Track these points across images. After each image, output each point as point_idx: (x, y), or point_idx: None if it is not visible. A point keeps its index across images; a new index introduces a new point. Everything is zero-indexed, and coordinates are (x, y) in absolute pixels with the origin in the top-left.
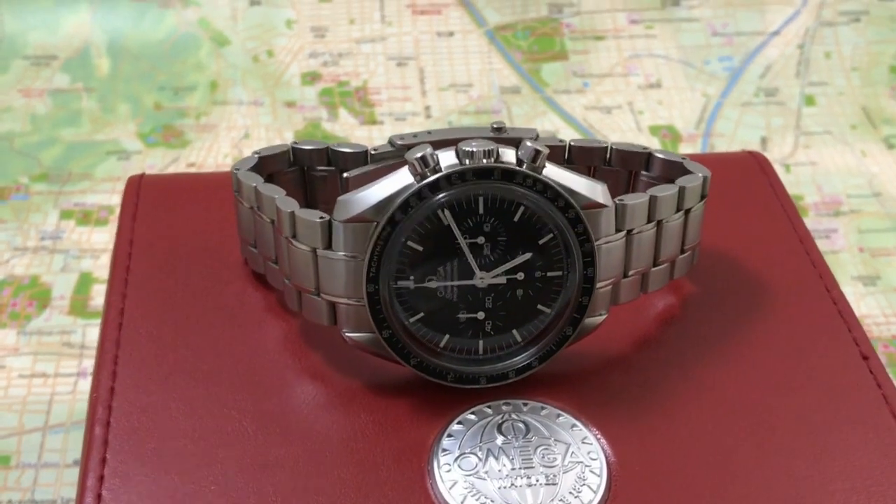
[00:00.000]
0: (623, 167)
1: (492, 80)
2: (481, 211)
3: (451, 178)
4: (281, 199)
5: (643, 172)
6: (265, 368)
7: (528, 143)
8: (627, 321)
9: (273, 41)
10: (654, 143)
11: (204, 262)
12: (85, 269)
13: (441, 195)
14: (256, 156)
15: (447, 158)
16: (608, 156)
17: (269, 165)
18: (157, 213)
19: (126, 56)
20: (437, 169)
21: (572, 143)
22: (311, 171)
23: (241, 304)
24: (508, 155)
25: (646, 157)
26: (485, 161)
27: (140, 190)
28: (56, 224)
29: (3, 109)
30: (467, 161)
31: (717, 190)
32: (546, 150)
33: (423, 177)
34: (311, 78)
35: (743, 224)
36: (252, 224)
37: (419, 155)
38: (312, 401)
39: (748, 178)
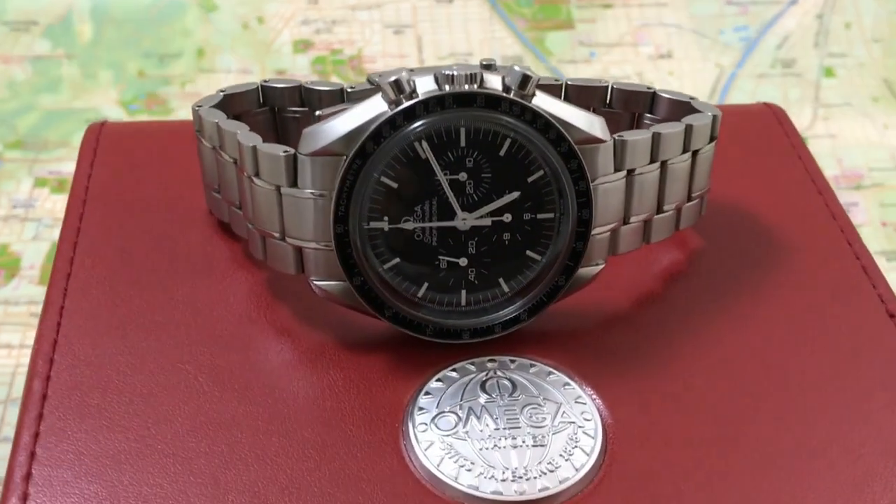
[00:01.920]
0: (625, 109)
1: (493, 49)
2: (463, 143)
3: (429, 105)
4: (243, 133)
5: (647, 114)
6: (226, 322)
7: (517, 68)
8: (629, 276)
9: (264, 7)
10: None
11: (165, 212)
12: (57, 239)
13: (418, 124)
14: (221, 93)
15: (425, 84)
16: (609, 96)
17: (236, 105)
18: (118, 160)
19: (110, 22)
20: (413, 95)
21: (569, 83)
22: (282, 112)
23: (204, 254)
24: (494, 81)
25: (650, 97)
26: (467, 87)
27: (100, 137)
28: (29, 192)
29: None
30: (447, 86)
31: (731, 141)
32: (536, 76)
33: (398, 103)
34: (303, 46)
35: (757, 176)
36: (215, 166)
37: (393, 79)
38: (277, 356)
39: (764, 130)
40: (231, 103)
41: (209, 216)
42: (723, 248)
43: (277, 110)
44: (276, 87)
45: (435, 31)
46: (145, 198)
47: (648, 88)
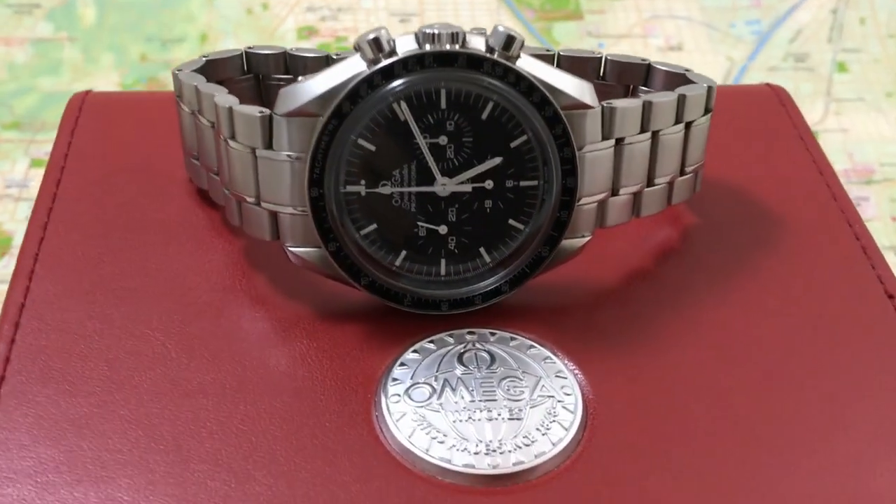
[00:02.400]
0: (619, 81)
1: None
2: (444, 105)
3: (408, 64)
4: (221, 95)
5: (642, 87)
6: (200, 289)
7: (501, 28)
8: (619, 251)
9: None
10: None
11: (144, 179)
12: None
13: (396, 83)
14: (204, 58)
15: (406, 43)
16: (602, 68)
17: (219, 71)
18: (100, 128)
19: (113, 6)
20: (393, 54)
21: (561, 53)
22: (266, 80)
23: (181, 222)
24: (477, 42)
25: (645, 69)
26: (448, 46)
27: (84, 106)
28: (25, 173)
29: None
30: (428, 46)
31: (731, 121)
32: (521, 38)
33: (377, 62)
34: (307, 32)
35: (756, 156)
36: (194, 132)
37: (372, 37)
38: (249, 325)
39: (765, 110)
40: (213, 69)
41: (189, 185)
42: (718, 226)
43: (262, 78)
44: (261, 54)
45: (441, 20)
46: (125, 166)
47: (643, 60)
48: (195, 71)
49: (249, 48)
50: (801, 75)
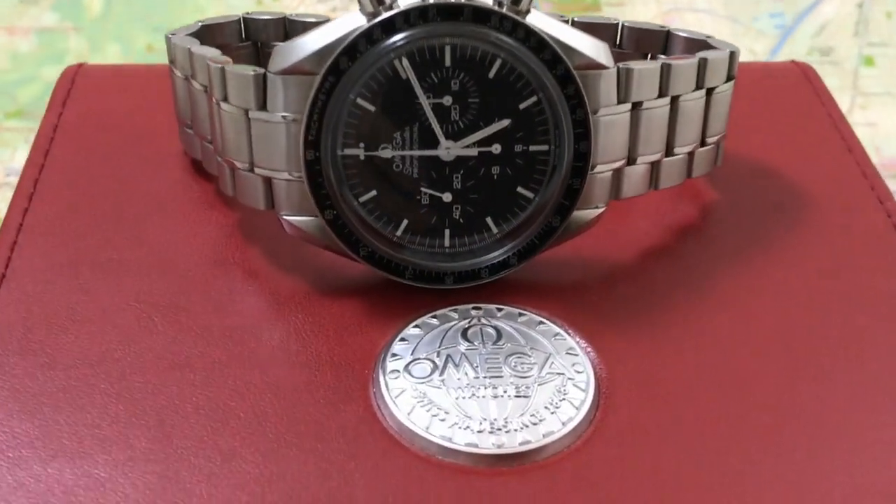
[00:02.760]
0: (637, 49)
1: None
2: (448, 63)
3: (410, 17)
4: (213, 56)
5: (661, 56)
6: (190, 262)
7: None
8: (634, 227)
9: None
10: None
11: (137, 151)
12: None
13: (397, 38)
14: (199, 23)
15: None
16: (619, 36)
17: (216, 37)
18: (92, 101)
19: None
20: (394, 7)
21: (576, 20)
22: (266, 48)
23: (173, 193)
24: None
25: (664, 37)
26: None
27: (76, 78)
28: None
29: None
30: None
31: (755, 97)
32: None
33: (376, 16)
34: None
35: (781, 132)
36: (187, 98)
37: None
38: (241, 299)
39: (791, 87)
40: (210, 34)
41: (183, 158)
42: (740, 203)
43: (261, 45)
44: (260, 20)
45: None
46: (117, 138)
47: (662, 27)
48: (190, 35)
49: (248, 14)
50: (826, 69)
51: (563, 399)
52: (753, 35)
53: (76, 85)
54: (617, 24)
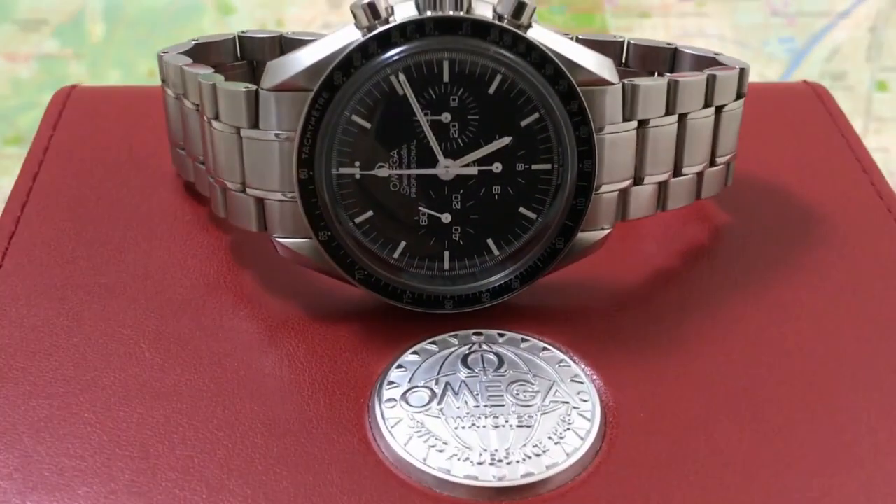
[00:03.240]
0: (643, 68)
1: None
2: (447, 78)
3: (407, 31)
4: (205, 73)
5: (669, 74)
6: (180, 286)
7: None
8: (641, 250)
9: (283, 10)
10: None
11: (128, 174)
12: None
13: (394, 52)
14: (192, 41)
15: (405, 10)
16: (625, 53)
17: (210, 56)
18: (83, 122)
19: (122, 22)
20: (390, 21)
21: (581, 38)
22: (261, 67)
23: (164, 216)
24: (484, 9)
25: (671, 54)
26: (452, 12)
27: (69, 100)
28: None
29: None
30: (429, 12)
31: (766, 117)
32: (534, 5)
33: (372, 30)
34: None
35: (793, 152)
36: (179, 118)
37: (367, 1)
38: (231, 324)
39: (803, 107)
40: (203, 53)
41: (175, 180)
42: (751, 224)
43: (256, 64)
44: (255, 38)
45: None
46: (108, 160)
47: (669, 45)
48: (183, 54)
49: (243, 32)
50: (838, 94)
51: (568, 429)
52: (764, 60)
53: (68, 106)
54: (623, 41)
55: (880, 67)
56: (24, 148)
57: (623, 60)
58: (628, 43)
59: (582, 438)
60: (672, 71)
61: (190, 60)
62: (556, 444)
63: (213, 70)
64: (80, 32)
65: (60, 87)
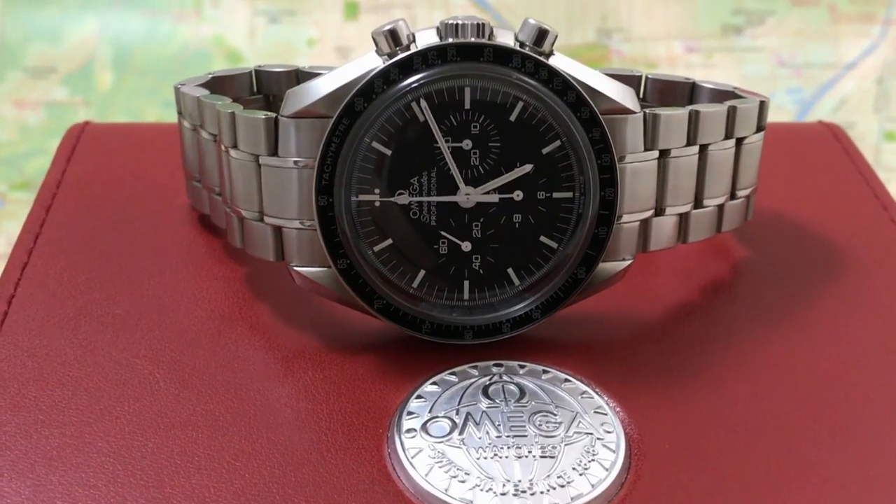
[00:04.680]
0: (661, 102)
1: None
2: (468, 105)
3: (429, 57)
4: (224, 103)
5: (690, 105)
6: (195, 317)
7: (532, 21)
8: (661, 284)
9: (292, 60)
10: None
11: (141, 207)
12: None
13: (415, 78)
14: (209, 75)
15: (426, 37)
16: (643, 88)
17: (226, 89)
18: (96, 157)
19: (132, 71)
20: (411, 47)
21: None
22: (277, 101)
23: (178, 249)
24: (505, 36)
25: (689, 89)
26: (473, 39)
27: (82, 136)
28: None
29: None
30: (451, 38)
31: (783, 156)
32: (555, 32)
33: (393, 56)
34: None
35: (811, 189)
36: (195, 149)
37: (388, 28)
38: (247, 355)
39: (820, 147)
40: (219, 86)
41: (189, 213)
42: (772, 259)
43: (272, 98)
44: (272, 72)
45: None
46: (122, 194)
47: (687, 79)
48: (200, 86)
49: (259, 66)
50: None
51: (593, 460)
52: (773, 110)
53: (81, 142)
54: (640, 76)
55: (888, 118)
56: (31, 193)
57: (641, 95)
58: (646, 77)
59: (607, 469)
60: (692, 104)
61: (207, 92)
62: (580, 475)
63: (230, 99)
64: (89, 80)
65: (73, 124)
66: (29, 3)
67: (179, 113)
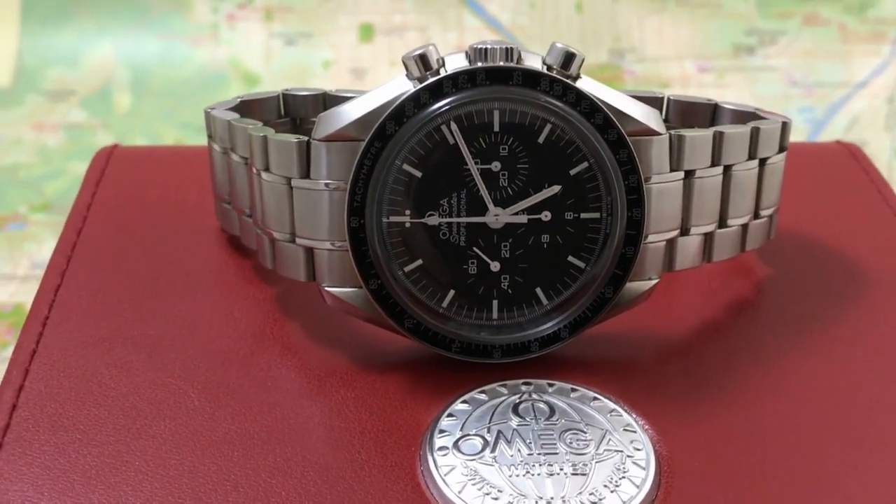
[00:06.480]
0: (683, 123)
1: None
2: (497, 128)
3: (458, 81)
4: (255, 126)
5: (713, 126)
6: (227, 337)
7: (559, 45)
8: (686, 303)
9: (308, 82)
10: None
11: (172, 229)
12: None
13: (445, 102)
14: (238, 99)
15: (456, 61)
16: (665, 109)
17: (254, 112)
18: (126, 180)
19: (150, 94)
20: (442, 71)
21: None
22: (305, 124)
23: (209, 270)
24: (533, 60)
25: (711, 110)
26: (502, 62)
27: (111, 158)
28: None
29: (11, 142)
30: (480, 62)
31: (802, 176)
32: (582, 55)
33: (423, 80)
34: None
35: (831, 208)
36: (225, 172)
37: (419, 53)
38: (280, 374)
39: (838, 166)
40: (248, 110)
41: (219, 235)
42: (795, 278)
43: (300, 122)
44: (299, 96)
45: None
46: (152, 217)
47: (709, 101)
48: (229, 110)
49: (287, 90)
50: None
51: (623, 477)
52: None
53: (110, 164)
54: (662, 97)
55: None
56: (51, 215)
57: (663, 116)
58: (668, 99)
59: (637, 487)
60: (714, 125)
61: (237, 116)
62: (612, 492)
63: (260, 123)
64: (108, 103)
65: (102, 147)
66: (47, 27)
67: (210, 136)
